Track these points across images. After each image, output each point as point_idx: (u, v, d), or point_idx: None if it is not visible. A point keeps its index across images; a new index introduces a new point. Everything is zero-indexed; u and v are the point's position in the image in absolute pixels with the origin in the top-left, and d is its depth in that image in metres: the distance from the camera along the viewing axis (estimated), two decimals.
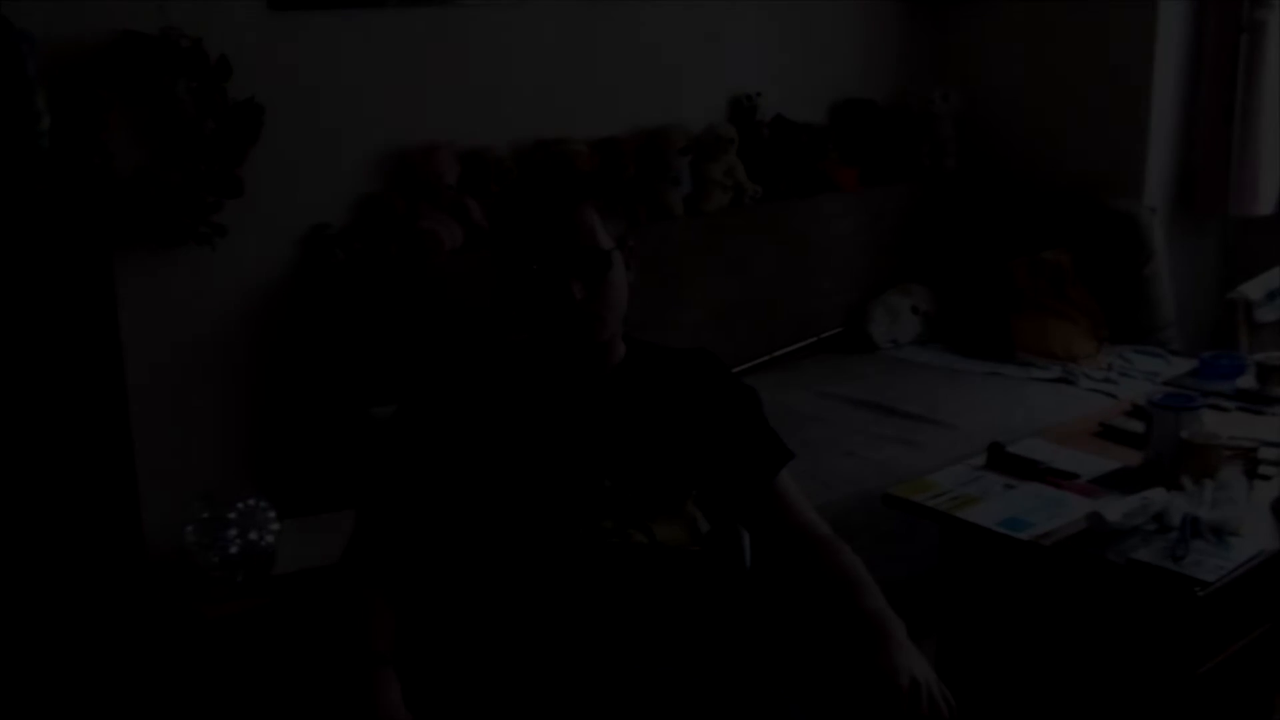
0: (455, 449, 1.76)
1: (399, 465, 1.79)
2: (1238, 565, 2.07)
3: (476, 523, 1.75)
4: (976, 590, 2.44)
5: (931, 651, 2.36)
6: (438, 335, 2.92)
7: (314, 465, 2.92)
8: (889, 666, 1.59)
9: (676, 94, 3.59)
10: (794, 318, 3.75)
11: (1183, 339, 3.84)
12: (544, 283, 1.72)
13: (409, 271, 2.95)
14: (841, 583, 1.73)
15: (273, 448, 2.96)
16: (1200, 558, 2.07)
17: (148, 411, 2.62)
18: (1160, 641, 2.16)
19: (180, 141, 2.70)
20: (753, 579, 1.91)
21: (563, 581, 1.70)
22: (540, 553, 1.71)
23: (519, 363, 1.84)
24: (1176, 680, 2.15)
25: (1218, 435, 2.40)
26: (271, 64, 2.81)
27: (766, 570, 1.90)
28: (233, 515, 2.59)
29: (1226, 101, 3.84)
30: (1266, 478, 2.39)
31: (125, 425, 2.41)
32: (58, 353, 2.31)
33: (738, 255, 3.59)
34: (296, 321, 2.95)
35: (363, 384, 2.85)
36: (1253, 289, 3.40)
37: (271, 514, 2.65)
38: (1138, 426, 2.57)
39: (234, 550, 2.56)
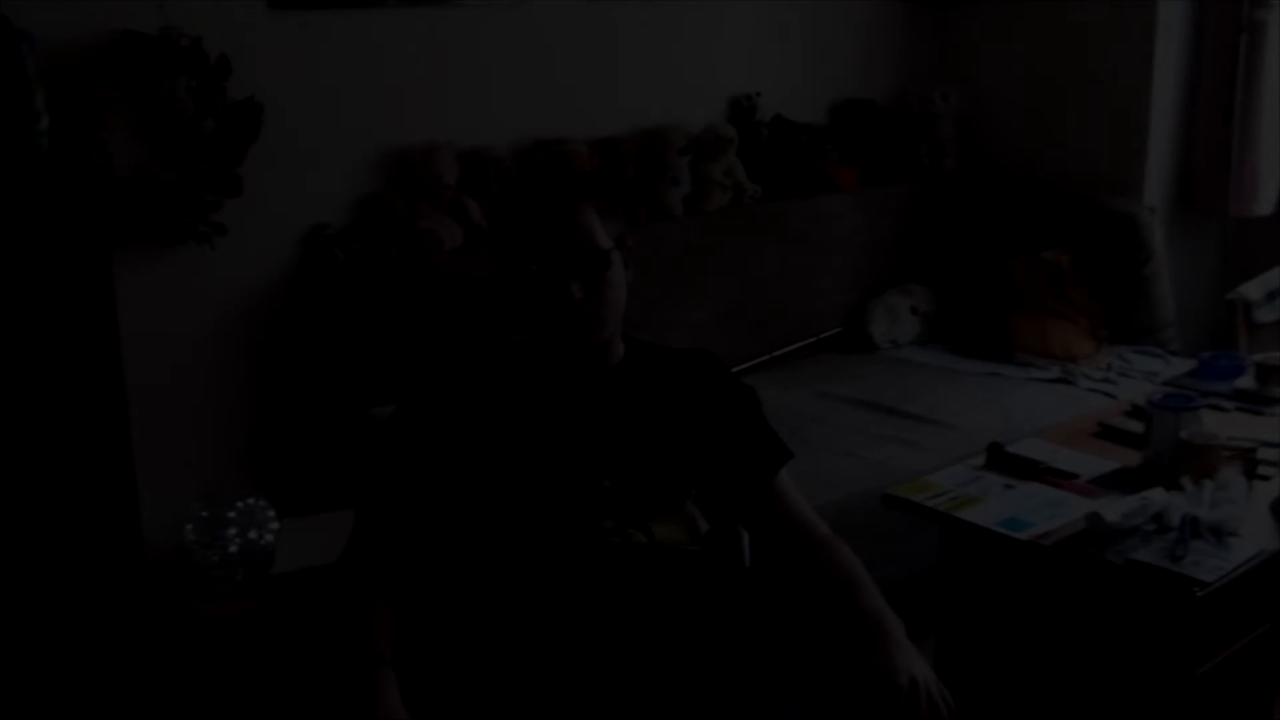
0: (455, 449, 1.76)
1: (398, 465, 1.79)
2: (1237, 565, 2.06)
3: (476, 522, 1.75)
4: (976, 590, 2.44)
5: (930, 651, 2.37)
6: (438, 335, 2.92)
7: (314, 465, 2.92)
8: (888, 666, 1.59)
9: (676, 94, 3.59)
10: (794, 318, 3.75)
11: (1182, 339, 3.84)
12: (543, 282, 1.72)
13: (408, 271, 2.95)
14: (840, 582, 1.73)
15: (272, 447, 2.96)
16: (1199, 558, 2.07)
17: (147, 410, 2.62)
18: (1159, 642, 2.16)
19: (180, 141, 2.70)
20: (752, 579, 1.91)
21: (562, 581, 1.70)
22: (540, 552, 1.71)
23: (518, 363, 1.84)
24: (1176, 680, 2.15)
25: (1217, 435, 2.40)
26: (271, 64, 2.81)
27: (765, 570, 1.90)
28: (232, 514, 2.59)
29: (1226, 101, 3.84)
30: (1266, 478, 2.39)
31: (124, 424, 2.41)
32: (57, 352, 2.31)
33: (737, 255, 3.59)
34: (296, 321, 2.95)
35: (362, 384, 2.85)
36: (1252, 289, 3.40)
37: (271, 513, 2.65)
38: (1137, 427, 2.57)
39: (233, 549, 2.56)
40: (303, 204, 2.93)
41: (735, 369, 2.78)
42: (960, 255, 3.99)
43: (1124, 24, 3.85)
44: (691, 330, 3.40)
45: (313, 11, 2.89)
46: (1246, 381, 2.89)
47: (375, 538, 1.76)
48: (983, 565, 2.39)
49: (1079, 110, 3.99)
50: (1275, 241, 3.81)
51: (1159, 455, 2.41)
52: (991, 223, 4.01)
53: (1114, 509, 2.19)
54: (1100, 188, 3.91)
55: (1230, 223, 4.03)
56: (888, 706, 1.56)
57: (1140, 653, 2.18)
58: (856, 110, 4.00)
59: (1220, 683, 2.19)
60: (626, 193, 3.34)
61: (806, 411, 3.26)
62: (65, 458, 2.34)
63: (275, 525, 2.64)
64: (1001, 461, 2.51)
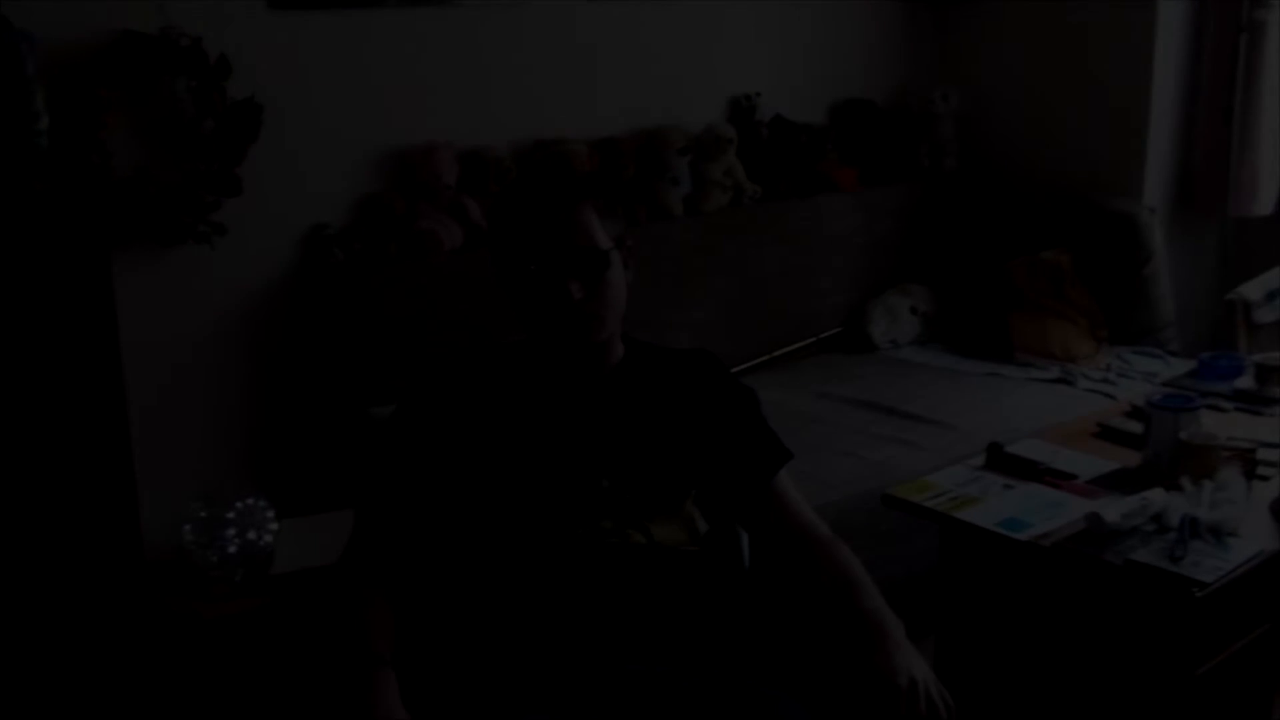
0: (454, 449, 1.76)
1: (398, 465, 1.79)
2: (1236, 566, 2.06)
3: (475, 523, 1.75)
4: (975, 590, 2.44)
5: (930, 651, 2.37)
6: (437, 335, 2.92)
7: (313, 465, 2.92)
8: (887, 666, 1.59)
9: (676, 94, 3.59)
10: (793, 318, 3.75)
11: (1182, 339, 3.84)
12: (542, 283, 1.72)
13: (408, 271, 2.95)
14: (840, 583, 1.73)
15: (272, 447, 2.96)
16: (1199, 558, 2.07)
17: (146, 410, 2.62)
18: (1159, 642, 2.16)
19: (179, 141, 2.70)
20: (751, 579, 1.91)
21: (561, 582, 1.70)
22: (539, 553, 1.71)
23: (518, 363, 1.84)
24: (1175, 681, 2.15)
25: (1216, 436, 2.40)
26: (271, 63, 2.81)
27: (765, 570, 1.90)
28: (231, 515, 2.59)
29: (1226, 102, 3.84)
30: (1265, 478, 2.39)
31: (124, 424, 2.41)
32: (56, 352, 2.31)
33: (737, 255, 3.59)
34: (296, 321, 2.95)
35: (362, 384, 2.85)
36: (1252, 289, 3.39)
37: (270, 513, 2.65)
38: (1136, 427, 2.56)
39: (232, 550, 2.56)
40: (303, 204, 2.93)
41: (735, 369, 2.78)
42: (960, 255, 3.99)
43: (1124, 24, 3.85)
44: (691, 330, 3.40)
45: (313, 11, 2.89)
46: (1246, 382, 2.89)
47: (375, 538, 1.76)
48: (982, 566, 2.39)
49: (1079, 110, 3.99)
50: (1275, 241, 3.81)
51: (1158, 456, 2.41)
52: (991, 223, 4.01)
53: (1113, 509, 2.19)
54: (1100, 188, 3.91)
55: (1230, 223, 4.03)
56: (887, 707, 1.56)
57: (1140, 653, 2.18)
58: (856, 110, 4.00)
59: (1220, 683, 2.19)
60: (626, 193, 3.34)
61: (806, 412, 3.26)
62: (65, 458, 2.34)
63: (274, 525, 2.64)
64: (1001, 462, 2.51)
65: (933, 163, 4.10)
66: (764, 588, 1.90)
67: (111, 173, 2.58)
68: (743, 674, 1.71)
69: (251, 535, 2.59)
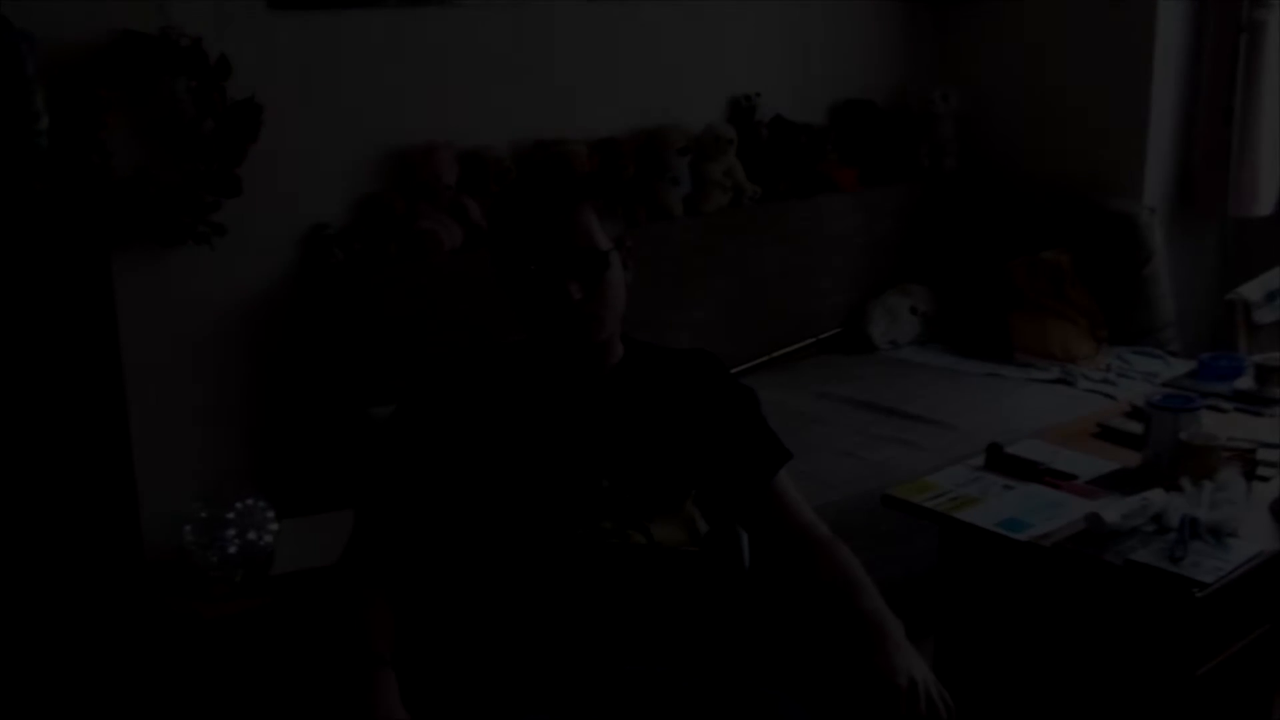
0: (454, 449, 1.76)
1: (398, 465, 1.79)
2: (1236, 566, 2.06)
3: (475, 523, 1.75)
4: (975, 591, 2.44)
5: (930, 652, 2.37)
6: (437, 335, 2.92)
7: (313, 465, 2.92)
8: (887, 667, 1.59)
9: (676, 94, 3.58)
10: (793, 318, 3.75)
11: (1181, 340, 3.84)
12: (542, 283, 1.72)
13: (408, 272, 2.95)
14: (840, 583, 1.73)
15: (272, 448, 2.96)
16: (1199, 559, 2.07)
17: (146, 411, 2.62)
18: (1159, 643, 2.16)
19: (179, 141, 2.70)
20: (751, 579, 1.91)
21: (561, 582, 1.70)
22: (539, 553, 1.71)
23: (518, 363, 1.84)
24: (1175, 681, 2.15)
25: (1216, 436, 2.40)
26: (271, 64, 2.81)
27: (765, 571, 1.90)
28: (231, 515, 2.59)
29: (1226, 102, 3.84)
30: (1265, 479, 2.39)
31: (123, 424, 2.41)
32: (56, 352, 2.31)
33: (737, 255, 3.59)
34: (296, 321, 2.95)
35: (362, 384, 2.85)
36: (1252, 290, 3.39)
37: (270, 514, 2.65)
38: (1136, 427, 2.57)
39: (232, 550, 2.56)
40: (303, 204, 2.93)
41: (735, 369, 2.78)
42: (960, 255, 3.99)
43: (1124, 24, 3.85)
44: (691, 330, 3.40)
45: (313, 11, 2.89)
46: (1246, 382, 2.89)
47: (375, 538, 1.76)
48: (982, 566, 2.39)
49: (1079, 110, 3.99)
50: (1275, 241, 3.81)
51: (1158, 456, 2.41)
52: (991, 223, 4.01)
53: (1113, 510, 2.19)
54: (1100, 188, 3.91)
55: (1230, 223, 4.03)
56: (887, 707, 1.56)
57: (1140, 653, 2.18)
58: (856, 110, 4.00)
59: (1220, 683, 2.19)
60: (626, 193, 3.34)
61: (806, 412, 3.26)
62: (65, 458, 2.34)
63: (274, 526, 2.64)
64: (1001, 462, 2.51)
65: (933, 163, 4.10)
66: (764, 588, 1.90)
67: (111, 173, 2.58)
68: (743, 674, 1.71)
69: (251, 535, 2.59)
